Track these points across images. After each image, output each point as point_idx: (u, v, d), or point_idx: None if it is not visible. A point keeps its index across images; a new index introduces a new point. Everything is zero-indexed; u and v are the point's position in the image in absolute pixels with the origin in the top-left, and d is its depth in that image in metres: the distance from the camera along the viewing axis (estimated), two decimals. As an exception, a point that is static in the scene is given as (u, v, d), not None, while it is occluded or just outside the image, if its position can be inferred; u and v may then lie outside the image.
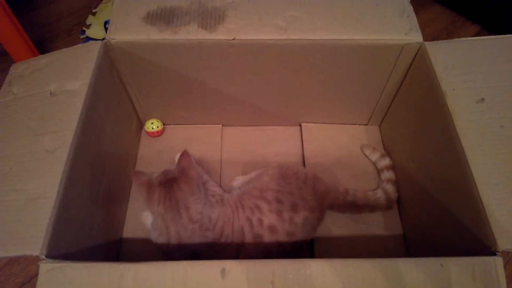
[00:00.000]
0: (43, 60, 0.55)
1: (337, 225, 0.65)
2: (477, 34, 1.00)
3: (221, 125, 0.77)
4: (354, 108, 0.72)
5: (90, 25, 1.06)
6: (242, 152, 0.74)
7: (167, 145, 0.75)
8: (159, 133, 0.76)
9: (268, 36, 0.55)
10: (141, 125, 0.77)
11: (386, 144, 0.74)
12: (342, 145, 0.74)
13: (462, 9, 1.04)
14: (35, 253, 0.40)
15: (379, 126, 0.77)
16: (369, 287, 0.39)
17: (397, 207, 0.68)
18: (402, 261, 0.40)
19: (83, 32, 1.05)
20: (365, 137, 0.76)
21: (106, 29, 1.00)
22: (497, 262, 0.40)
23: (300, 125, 0.77)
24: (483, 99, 0.49)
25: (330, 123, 0.77)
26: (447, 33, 0.99)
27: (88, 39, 1.02)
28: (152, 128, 0.74)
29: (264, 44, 0.56)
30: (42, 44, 1.02)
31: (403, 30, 0.56)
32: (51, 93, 0.51)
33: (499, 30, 0.98)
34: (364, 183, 0.70)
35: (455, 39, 0.56)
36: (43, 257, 0.40)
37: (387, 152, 0.73)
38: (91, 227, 0.52)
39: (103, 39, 0.56)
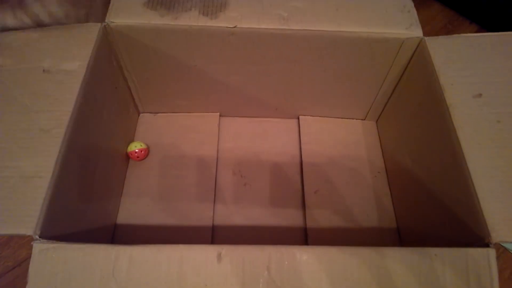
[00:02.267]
0: (34, 34, 0.53)
1: (330, 217, 0.66)
2: (476, 33, 1.01)
3: (218, 114, 0.77)
4: (352, 102, 0.72)
5: None
6: (239, 143, 0.74)
7: (164, 133, 0.75)
8: (143, 155, 0.71)
9: (270, 26, 0.55)
10: (137, 112, 0.76)
11: (383, 139, 0.75)
12: (339, 140, 0.75)
13: (461, 8, 1.05)
14: (29, 232, 0.39)
15: (376, 122, 0.77)
16: (367, 274, 0.39)
17: (391, 201, 0.68)
18: (395, 250, 0.41)
19: None
20: (362, 132, 0.76)
21: None
22: (491, 254, 0.40)
23: (298, 118, 0.77)
24: (480, 94, 0.50)
25: (327, 117, 0.77)
26: (446, 32, 1.00)
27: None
28: (135, 147, 0.69)
29: (265, 33, 0.56)
30: None
31: (404, 25, 0.57)
32: (44, 70, 0.49)
33: (497, 30, 0.99)
34: (359, 178, 0.70)
35: (455, 35, 0.56)
36: (37, 237, 0.39)
37: (383, 148, 0.74)
38: (85, 210, 0.52)
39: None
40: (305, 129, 0.75)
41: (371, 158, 0.73)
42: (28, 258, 0.39)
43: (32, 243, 0.39)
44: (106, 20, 0.55)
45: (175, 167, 0.70)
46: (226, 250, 0.40)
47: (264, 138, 0.75)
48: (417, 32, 0.56)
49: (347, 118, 0.77)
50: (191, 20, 0.55)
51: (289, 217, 0.67)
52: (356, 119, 0.78)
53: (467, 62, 0.53)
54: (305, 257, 0.40)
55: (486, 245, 0.41)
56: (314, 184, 0.69)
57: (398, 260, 0.40)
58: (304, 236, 0.64)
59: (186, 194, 0.68)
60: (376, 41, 0.57)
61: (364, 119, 0.77)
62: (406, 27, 0.56)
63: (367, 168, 0.72)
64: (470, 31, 1.03)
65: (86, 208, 0.53)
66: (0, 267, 0.65)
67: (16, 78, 0.49)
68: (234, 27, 0.55)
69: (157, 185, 0.69)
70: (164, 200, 0.67)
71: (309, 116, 0.77)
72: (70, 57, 0.51)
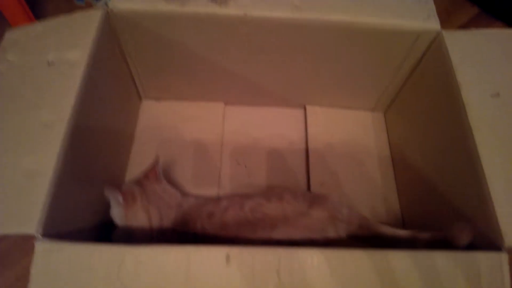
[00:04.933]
0: (40, 27, 0.51)
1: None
2: (477, 16, 1.00)
3: (223, 103, 0.74)
4: (361, 93, 0.71)
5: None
6: (244, 132, 0.72)
7: (166, 122, 0.73)
8: None
9: (281, 14, 0.53)
10: (140, 100, 0.74)
11: (390, 131, 0.73)
12: (346, 131, 0.73)
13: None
14: (31, 231, 0.38)
15: (384, 113, 0.76)
16: (375, 279, 0.38)
17: (397, 197, 0.67)
18: (405, 254, 0.40)
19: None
20: (370, 123, 0.74)
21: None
22: (503, 258, 0.39)
23: (305, 108, 0.75)
24: (498, 94, 0.48)
25: (335, 107, 0.75)
26: (447, 14, 0.98)
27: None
28: None
29: (276, 22, 0.53)
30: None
31: (421, 17, 0.54)
32: (49, 63, 0.48)
33: (497, 13, 0.99)
34: (366, 172, 0.69)
35: (473, 29, 0.54)
36: (39, 236, 0.38)
37: (390, 141, 0.72)
38: (87, 206, 0.51)
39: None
40: (312, 120, 0.73)
41: (378, 151, 0.72)
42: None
43: (34, 242, 0.38)
44: (109, 5, 0.52)
45: (178, 156, 0.69)
46: (235, 252, 0.39)
47: (270, 128, 0.73)
48: (435, 24, 0.54)
49: (355, 109, 0.76)
50: (199, 6, 0.53)
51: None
52: (364, 110, 0.76)
53: (485, 59, 0.51)
54: (315, 261, 0.39)
55: (498, 249, 0.40)
56: (320, 176, 0.68)
57: (407, 265, 0.39)
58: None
59: (189, 184, 0.66)
60: (392, 33, 0.54)
61: (372, 111, 0.76)
62: (424, 19, 0.54)
63: (374, 162, 0.70)
64: (471, 13, 1.01)
65: (88, 204, 0.52)
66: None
67: (22, 73, 0.48)
68: (244, 15, 0.52)
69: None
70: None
71: (316, 106, 0.75)
72: (72, 47, 0.49)
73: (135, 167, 0.68)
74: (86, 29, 0.50)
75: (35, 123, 0.43)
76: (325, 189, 0.67)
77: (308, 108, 0.75)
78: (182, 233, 0.51)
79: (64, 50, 0.48)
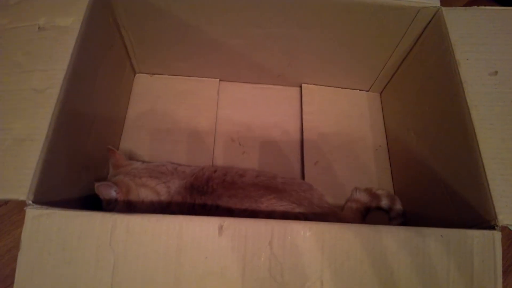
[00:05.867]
0: (31, -10, 0.50)
1: (329, 189, 0.64)
2: None
3: (218, 79, 0.73)
4: (358, 72, 0.70)
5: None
6: (239, 110, 0.72)
7: (161, 96, 0.72)
8: None
9: (280, -14, 0.52)
10: (133, 72, 0.73)
11: (386, 112, 0.73)
12: (341, 111, 0.73)
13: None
14: (22, 197, 0.37)
15: (380, 94, 0.75)
16: (368, 252, 0.39)
17: (390, 175, 0.67)
18: (396, 230, 0.40)
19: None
20: (366, 103, 0.74)
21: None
22: (496, 236, 0.39)
23: (301, 86, 0.74)
24: (496, 72, 0.48)
25: (331, 86, 0.74)
26: None
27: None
28: None
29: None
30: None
31: (421, -7, 0.53)
32: (39, 28, 0.46)
33: None
34: (360, 151, 0.69)
35: (474, 7, 0.53)
36: (30, 202, 0.37)
37: (385, 121, 0.72)
38: (79, 176, 0.50)
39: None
40: (307, 98, 0.73)
41: (373, 131, 0.71)
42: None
43: (25, 208, 0.37)
44: (103, -28, 0.51)
45: (171, 133, 0.68)
46: (228, 223, 0.38)
47: (265, 106, 0.73)
48: (435, 1, 0.53)
49: (351, 89, 0.75)
50: (195, -25, 0.51)
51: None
52: (360, 90, 0.75)
53: (484, 37, 0.50)
54: (308, 233, 0.39)
55: (492, 227, 0.40)
56: (315, 155, 0.67)
57: (398, 240, 0.39)
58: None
59: (183, 159, 0.66)
60: (391, 9, 0.53)
61: (368, 91, 0.75)
62: (424, -5, 0.53)
63: (369, 141, 0.70)
64: None
65: (79, 173, 0.51)
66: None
67: (12, 37, 0.46)
68: (242, -15, 0.51)
69: (153, 151, 0.67)
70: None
71: (312, 85, 0.74)
72: (64, 13, 0.47)
73: (128, 140, 0.67)
74: (79, -5, 0.48)
75: (26, 88, 0.42)
76: (319, 167, 0.66)
77: (304, 86, 0.74)
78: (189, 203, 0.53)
79: (55, 15, 0.47)
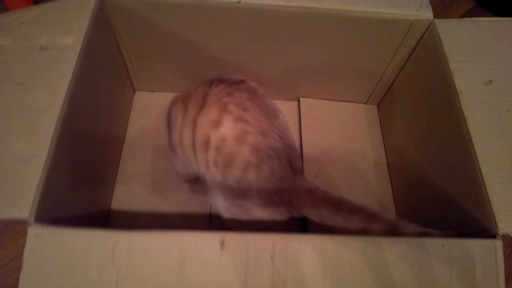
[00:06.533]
0: (33, 11, 0.51)
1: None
2: (472, 9, 1.03)
3: (217, 95, 0.74)
4: (355, 85, 0.71)
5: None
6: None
7: (161, 113, 0.72)
8: None
9: (275, 2, 0.53)
10: (133, 90, 0.73)
11: (384, 124, 0.73)
12: (340, 123, 0.73)
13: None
14: (23, 216, 0.37)
15: (378, 106, 0.76)
16: (370, 265, 0.39)
17: (390, 186, 0.68)
18: (398, 242, 0.40)
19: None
20: (363, 116, 0.75)
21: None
22: (497, 245, 0.40)
23: (299, 100, 0.75)
24: (491, 81, 0.49)
25: (328, 100, 0.75)
26: (444, 7, 1.00)
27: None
28: None
29: (270, 9, 0.53)
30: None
31: (414, 6, 0.54)
32: (41, 48, 0.47)
33: (492, 7, 1.01)
34: (359, 163, 0.69)
35: (466, 18, 0.54)
36: (32, 221, 0.37)
37: (384, 133, 0.73)
38: (79, 193, 0.50)
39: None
40: (305, 111, 0.73)
41: (371, 143, 0.72)
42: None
43: (27, 227, 0.37)
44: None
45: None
46: (230, 237, 0.38)
47: (263, 119, 0.73)
48: (428, 14, 0.54)
49: (348, 102, 0.76)
50: (193, -7, 0.52)
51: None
52: (358, 103, 0.76)
53: (478, 47, 0.51)
54: (309, 247, 0.39)
55: (493, 236, 0.40)
56: (314, 168, 0.68)
57: (399, 252, 0.39)
58: (302, 221, 0.64)
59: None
60: (385, 22, 0.55)
61: (366, 103, 0.76)
62: (417, 8, 0.54)
63: (368, 153, 0.71)
64: (466, 7, 1.03)
65: (80, 191, 0.51)
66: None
67: (14, 58, 0.47)
68: (238, 2, 0.52)
69: (154, 167, 0.67)
70: (159, 184, 0.65)
71: (310, 98, 0.75)
72: (66, 32, 0.48)
73: (129, 157, 0.67)
74: (80, 14, 0.50)
75: (27, 107, 0.43)
76: (319, 180, 0.67)
77: (302, 100, 0.75)
78: None
79: (57, 35, 0.48)
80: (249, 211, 0.49)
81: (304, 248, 0.39)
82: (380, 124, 0.74)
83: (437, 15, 0.54)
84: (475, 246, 0.39)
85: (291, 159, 0.50)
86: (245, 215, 0.50)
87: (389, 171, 0.69)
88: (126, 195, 0.64)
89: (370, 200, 0.66)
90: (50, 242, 0.37)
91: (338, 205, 0.46)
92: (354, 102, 0.76)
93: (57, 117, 0.42)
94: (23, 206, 0.38)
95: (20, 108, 0.43)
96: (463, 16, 1.00)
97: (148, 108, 0.73)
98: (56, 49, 0.47)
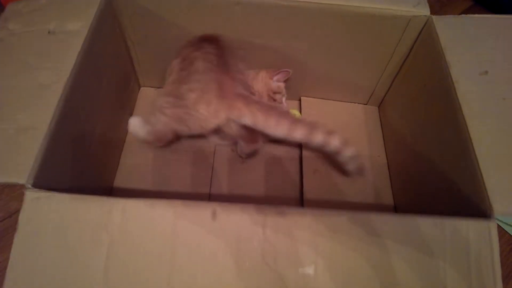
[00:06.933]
0: (43, 0, 0.53)
1: (327, 196, 0.65)
2: (470, 8, 1.04)
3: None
4: (355, 84, 0.72)
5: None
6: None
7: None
8: None
9: (276, -3, 0.55)
10: (138, 86, 0.75)
11: (384, 124, 0.74)
12: (340, 122, 0.74)
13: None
14: (21, 181, 0.38)
15: (378, 107, 0.77)
16: (363, 240, 0.38)
17: (389, 180, 0.68)
18: (391, 217, 0.41)
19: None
20: (364, 116, 0.75)
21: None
22: (492, 225, 0.39)
23: (300, 99, 0.76)
24: (486, 72, 0.49)
25: (329, 100, 0.76)
26: (440, 6, 1.02)
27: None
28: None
29: (270, 4, 0.55)
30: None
31: (411, 3, 0.56)
32: (49, 32, 0.50)
33: (490, 5, 1.02)
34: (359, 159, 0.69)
35: (462, 15, 0.56)
36: (29, 186, 0.38)
37: (384, 133, 0.73)
38: (81, 170, 0.51)
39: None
40: (306, 110, 0.74)
41: (371, 142, 0.72)
42: (19, 210, 0.37)
43: (24, 191, 0.38)
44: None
45: (174, 142, 0.70)
46: (222, 207, 0.39)
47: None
48: (425, 10, 0.55)
49: (349, 102, 0.77)
50: (196, -14, 0.55)
51: (287, 195, 0.66)
52: (358, 103, 0.77)
53: (473, 41, 0.52)
54: (302, 219, 0.39)
55: (488, 217, 0.40)
56: (313, 164, 0.68)
57: (394, 229, 0.39)
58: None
59: (186, 168, 0.67)
60: (383, 18, 0.56)
61: (366, 104, 0.77)
62: (414, 4, 0.56)
63: (367, 151, 0.71)
64: (464, 6, 1.04)
65: (83, 166, 0.52)
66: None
67: (23, 40, 0.49)
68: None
69: (155, 163, 0.68)
70: (160, 182, 0.66)
71: (311, 98, 0.76)
72: (73, 19, 0.51)
73: (130, 153, 0.69)
74: (88, 5, 0.52)
75: (33, 83, 0.45)
76: (318, 176, 0.67)
77: (303, 99, 0.76)
78: None
79: (65, 21, 0.50)
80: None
81: (296, 221, 0.39)
82: (381, 125, 0.75)
83: (434, 13, 0.56)
84: (469, 226, 0.39)
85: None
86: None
87: (388, 167, 0.70)
88: (129, 175, 0.66)
89: (368, 196, 0.66)
90: (46, 206, 0.38)
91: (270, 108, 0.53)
92: (355, 102, 0.77)
93: (60, 93, 0.44)
94: (22, 171, 0.39)
95: (25, 84, 0.45)
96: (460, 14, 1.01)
97: (151, 103, 0.74)
98: (63, 33, 0.50)
